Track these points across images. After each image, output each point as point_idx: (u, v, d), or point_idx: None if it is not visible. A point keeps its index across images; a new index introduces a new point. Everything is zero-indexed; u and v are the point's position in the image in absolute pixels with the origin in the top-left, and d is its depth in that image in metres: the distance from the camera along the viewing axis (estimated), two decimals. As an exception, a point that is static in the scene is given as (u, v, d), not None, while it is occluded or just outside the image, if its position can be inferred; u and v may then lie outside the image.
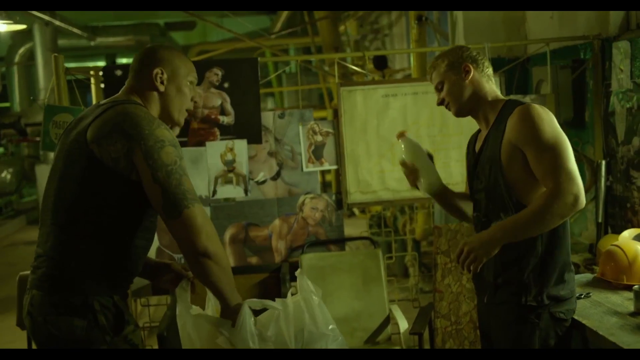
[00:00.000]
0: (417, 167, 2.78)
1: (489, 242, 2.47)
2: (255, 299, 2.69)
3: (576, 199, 2.38)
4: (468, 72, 2.62)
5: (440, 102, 2.72)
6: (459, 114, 2.70)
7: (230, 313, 2.34)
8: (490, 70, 2.69)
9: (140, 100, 2.36)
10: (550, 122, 2.46)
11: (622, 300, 2.78)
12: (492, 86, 2.68)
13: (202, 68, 4.36)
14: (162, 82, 2.36)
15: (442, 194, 2.86)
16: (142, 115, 2.23)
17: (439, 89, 2.70)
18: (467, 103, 2.65)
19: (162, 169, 2.16)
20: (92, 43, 14.61)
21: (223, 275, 2.27)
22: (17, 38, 13.66)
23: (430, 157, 2.85)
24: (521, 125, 2.47)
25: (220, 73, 4.34)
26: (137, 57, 2.43)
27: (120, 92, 2.40)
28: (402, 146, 2.81)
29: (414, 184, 2.82)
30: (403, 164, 2.81)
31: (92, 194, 2.22)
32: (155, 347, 4.19)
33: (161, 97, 2.38)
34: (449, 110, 2.71)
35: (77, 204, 2.23)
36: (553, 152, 2.42)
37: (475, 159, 2.71)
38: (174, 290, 2.64)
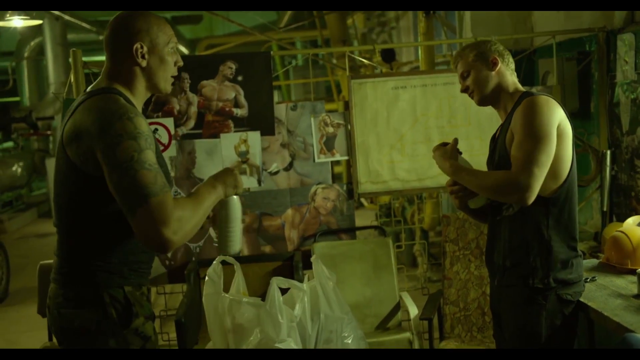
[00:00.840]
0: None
1: (444, 166, 2.77)
2: (282, 278, 2.81)
3: (521, 193, 2.49)
4: (495, 64, 2.75)
5: (465, 90, 2.82)
6: (482, 102, 2.81)
7: (222, 183, 2.32)
8: (513, 65, 2.81)
9: (121, 82, 2.26)
10: (544, 116, 2.55)
11: (627, 284, 2.89)
12: (514, 79, 2.80)
13: (216, 61, 4.48)
14: (143, 57, 2.25)
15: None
16: (106, 109, 2.12)
17: (464, 77, 2.81)
18: (490, 93, 2.77)
19: (117, 169, 2.05)
20: (101, 37, 14.68)
21: (196, 222, 2.16)
22: (26, 33, 13.76)
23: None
24: (520, 113, 2.60)
25: (234, 66, 4.45)
26: (112, 31, 2.27)
27: (101, 75, 2.29)
28: None
29: (464, 202, 2.80)
30: (454, 184, 2.78)
31: (77, 195, 2.19)
32: (172, 334, 4.31)
33: (144, 71, 2.27)
34: (472, 98, 2.82)
35: (70, 207, 2.21)
36: (531, 144, 2.52)
37: (493, 147, 2.83)
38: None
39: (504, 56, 2.78)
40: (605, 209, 4.40)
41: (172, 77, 2.36)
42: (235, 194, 2.38)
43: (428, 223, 6.42)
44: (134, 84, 2.28)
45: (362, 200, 7.92)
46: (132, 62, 2.25)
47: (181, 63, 2.37)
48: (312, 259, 2.97)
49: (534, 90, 4.46)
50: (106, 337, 2.19)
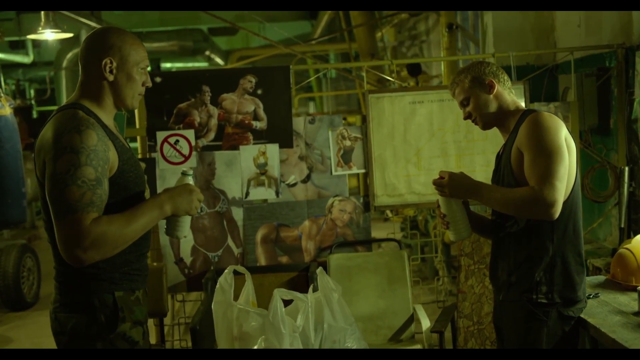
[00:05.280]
0: (447, 217, 2.79)
1: (465, 187, 2.69)
2: (285, 289, 2.89)
3: (548, 208, 2.50)
4: (492, 86, 2.76)
5: (467, 117, 2.85)
6: (486, 126, 2.84)
7: (172, 205, 2.31)
8: (509, 83, 2.83)
9: (89, 96, 2.33)
10: (552, 130, 2.58)
11: (629, 301, 2.89)
12: (512, 97, 2.83)
13: (236, 75, 4.59)
14: (111, 72, 2.31)
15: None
16: (60, 123, 2.21)
17: (464, 105, 2.83)
18: (493, 116, 2.79)
19: (51, 179, 2.15)
20: (137, 48, 14.94)
21: (125, 239, 2.21)
22: (65, 43, 14.04)
23: (465, 204, 2.87)
24: (526, 131, 2.62)
25: (253, 80, 4.55)
26: (86, 44, 2.35)
27: (76, 87, 2.38)
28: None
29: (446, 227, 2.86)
30: (438, 206, 2.83)
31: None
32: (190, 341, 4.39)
33: (111, 85, 2.33)
34: (476, 124, 2.84)
35: (48, 217, 2.24)
36: (546, 159, 2.54)
37: (497, 164, 2.86)
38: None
39: (499, 76, 2.79)
40: (622, 226, 4.38)
41: (139, 95, 2.42)
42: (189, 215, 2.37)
43: (448, 237, 6.43)
44: (102, 98, 2.35)
45: (388, 212, 7.94)
46: (100, 75, 2.32)
47: (149, 84, 2.44)
48: (318, 271, 3.03)
49: (550, 106, 4.53)
50: (94, 341, 2.26)
